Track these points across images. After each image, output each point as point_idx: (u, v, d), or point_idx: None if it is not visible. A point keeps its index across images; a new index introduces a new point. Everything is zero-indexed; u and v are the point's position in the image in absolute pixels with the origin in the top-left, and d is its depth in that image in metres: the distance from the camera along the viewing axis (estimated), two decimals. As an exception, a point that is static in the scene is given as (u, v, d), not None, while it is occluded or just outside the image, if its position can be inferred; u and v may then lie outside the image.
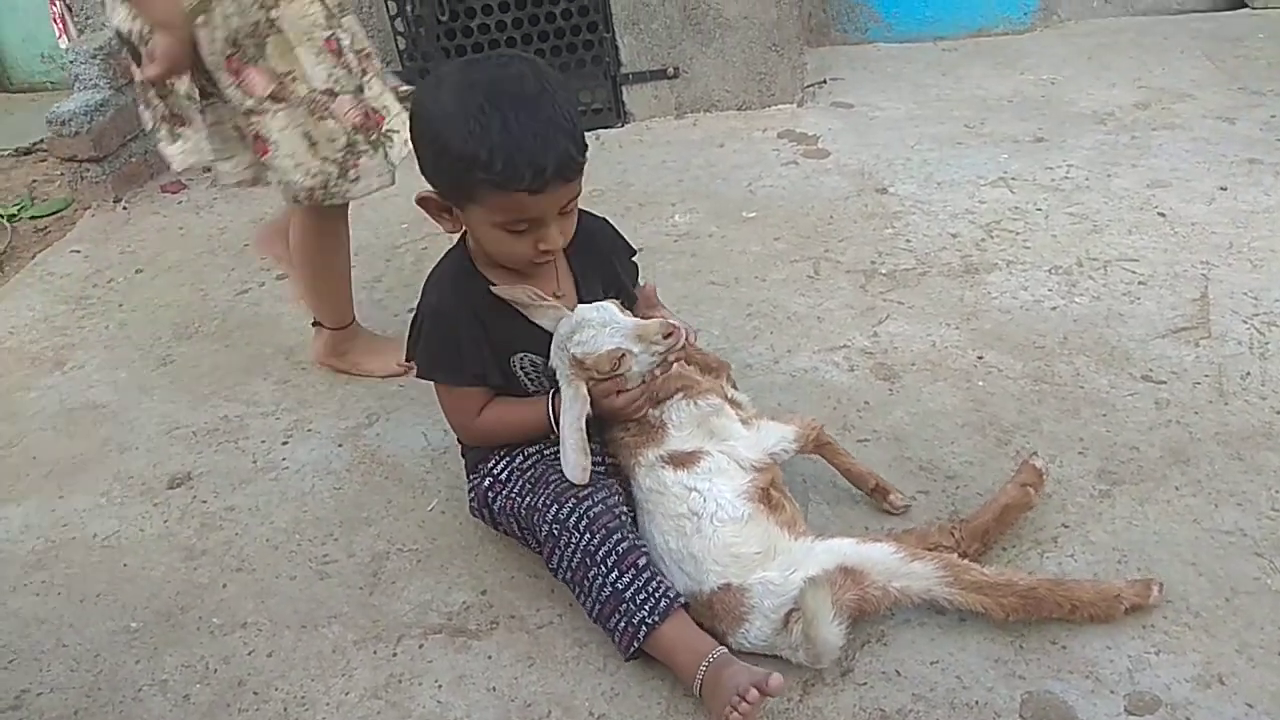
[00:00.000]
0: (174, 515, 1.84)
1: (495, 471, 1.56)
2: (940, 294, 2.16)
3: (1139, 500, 1.58)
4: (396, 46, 3.13)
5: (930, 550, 1.40)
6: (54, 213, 3.19)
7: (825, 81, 3.36)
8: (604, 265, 1.61)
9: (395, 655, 1.50)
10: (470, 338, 1.48)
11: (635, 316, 1.50)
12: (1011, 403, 1.82)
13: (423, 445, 1.92)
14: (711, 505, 1.42)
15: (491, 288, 1.48)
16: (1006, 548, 1.51)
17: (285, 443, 1.99)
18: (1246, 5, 3.52)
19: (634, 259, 1.70)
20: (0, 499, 1.93)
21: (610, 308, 1.47)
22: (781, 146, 2.96)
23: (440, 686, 1.44)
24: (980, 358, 1.95)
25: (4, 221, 3.13)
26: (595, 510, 1.41)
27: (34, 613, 1.66)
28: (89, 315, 2.54)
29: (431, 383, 1.59)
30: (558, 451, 1.47)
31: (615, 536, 1.39)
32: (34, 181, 3.45)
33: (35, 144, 3.69)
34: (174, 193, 3.17)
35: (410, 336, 1.56)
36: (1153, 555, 1.48)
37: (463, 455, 1.68)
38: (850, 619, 1.33)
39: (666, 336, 1.43)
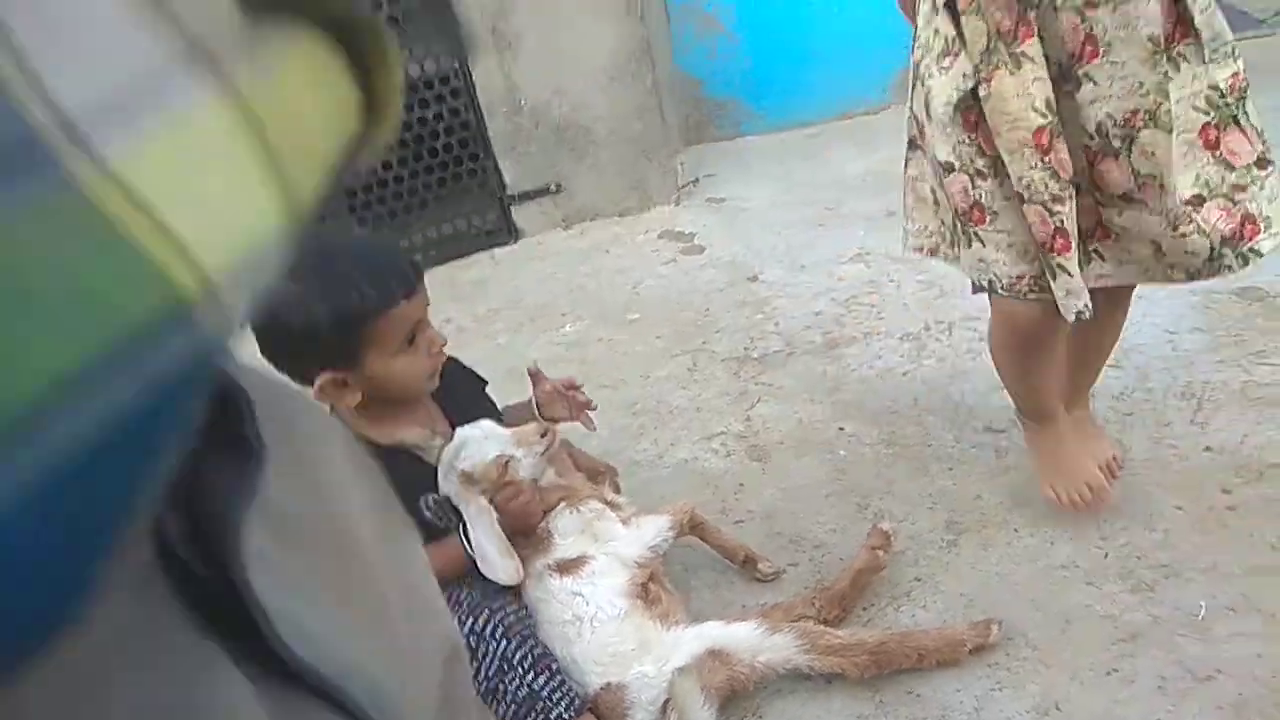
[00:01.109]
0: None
1: None
2: (805, 372, 2.33)
3: (982, 545, 1.74)
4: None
5: (794, 621, 1.54)
6: None
7: (697, 180, 3.60)
8: (469, 399, 1.75)
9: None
10: None
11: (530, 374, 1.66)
12: (869, 468, 1.98)
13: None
14: (592, 608, 1.54)
15: (393, 436, 1.59)
16: (866, 607, 1.65)
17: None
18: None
19: (535, 367, 1.86)
20: None
21: (486, 422, 1.62)
22: (661, 247, 3.16)
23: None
24: (841, 429, 2.11)
25: None
26: (509, 620, 1.52)
27: None
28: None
29: None
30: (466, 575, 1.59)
31: (530, 642, 1.50)
32: None
33: None
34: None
35: None
36: (995, 596, 1.63)
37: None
38: (721, 698, 1.45)
39: (543, 436, 1.58)
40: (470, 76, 3.18)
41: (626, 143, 3.31)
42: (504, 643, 1.50)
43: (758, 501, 1.96)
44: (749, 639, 1.49)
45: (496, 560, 1.56)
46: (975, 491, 1.86)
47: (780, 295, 2.70)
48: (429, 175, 3.26)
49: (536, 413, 1.77)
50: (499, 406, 1.82)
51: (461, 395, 1.74)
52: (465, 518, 1.60)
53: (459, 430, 1.62)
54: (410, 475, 1.61)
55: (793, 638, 1.49)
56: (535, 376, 1.85)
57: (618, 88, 3.22)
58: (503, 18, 3.12)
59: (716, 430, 2.20)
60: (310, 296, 1.47)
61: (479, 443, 1.59)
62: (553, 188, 3.36)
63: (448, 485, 1.62)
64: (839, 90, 4.19)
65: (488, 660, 1.50)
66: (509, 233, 3.40)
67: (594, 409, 1.85)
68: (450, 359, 1.76)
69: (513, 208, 3.38)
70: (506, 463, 1.59)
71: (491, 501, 1.59)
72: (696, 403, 2.32)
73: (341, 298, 1.46)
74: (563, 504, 1.68)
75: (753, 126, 4.22)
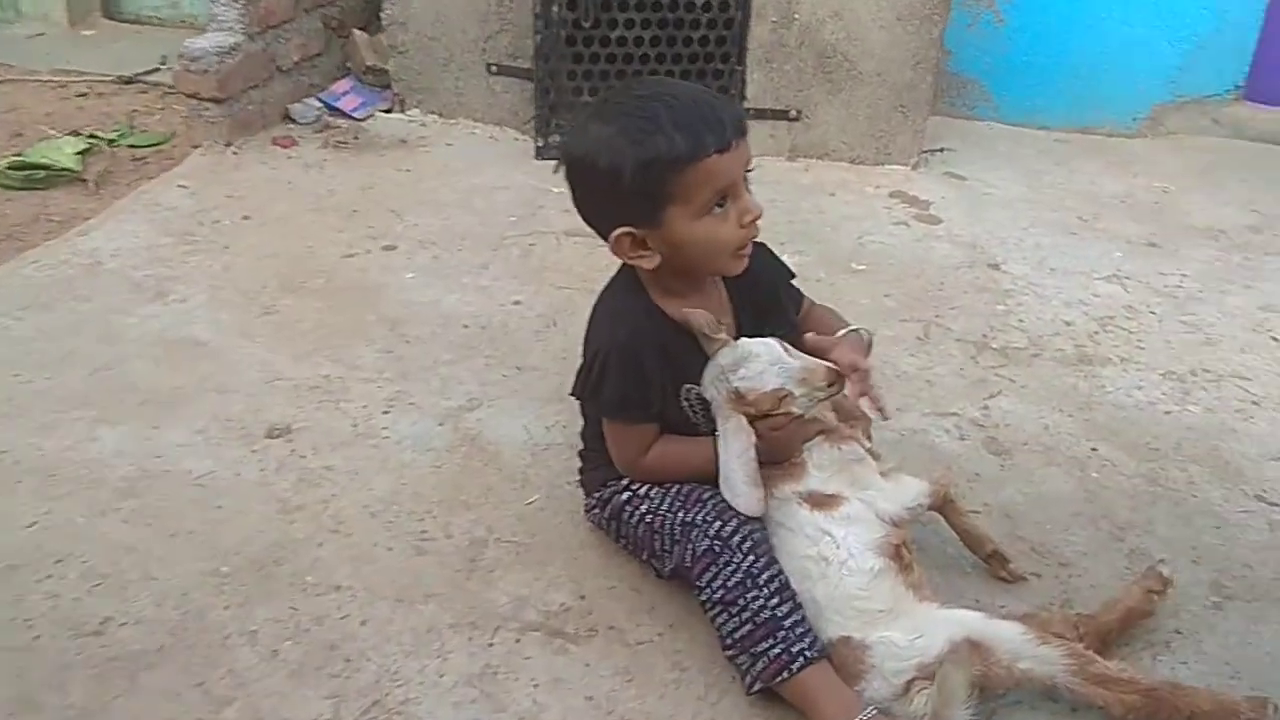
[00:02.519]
0: (271, 465, 1.83)
1: (634, 487, 1.53)
2: (1053, 378, 2.15)
3: (1252, 619, 1.56)
4: (532, 44, 3.15)
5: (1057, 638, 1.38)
6: (153, 144, 3.20)
7: (940, 150, 3.37)
8: (764, 293, 1.59)
9: (491, 645, 1.48)
10: (657, 372, 1.45)
11: (799, 351, 1.49)
12: (1125, 500, 1.80)
13: (524, 438, 1.92)
14: (844, 552, 1.40)
15: (683, 312, 1.46)
16: (1119, 645, 1.49)
17: (386, 412, 1.98)
18: (1363, 147, 3.52)
19: (794, 282, 1.69)
20: (95, 419, 1.93)
21: (775, 345, 1.46)
22: (893, 205, 2.97)
23: (536, 686, 1.42)
24: (1094, 449, 1.93)
25: (105, 144, 3.16)
26: (758, 535, 1.40)
27: (122, 540, 1.65)
28: (194, 252, 2.55)
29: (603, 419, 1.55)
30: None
31: (776, 566, 1.38)
32: (134, 111, 3.46)
33: (138, 74, 3.72)
34: (285, 147, 3.19)
35: (589, 375, 1.48)
36: (1267, 675, 1.46)
37: (583, 463, 1.66)
38: (974, 696, 1.31)
39: (831, 384, 1.42)
40: (750, -27, 2.98)
41: (889, 89, 3.09)
42: (751, 557, 1.38)
43: (995, 497, 1.80)
44: (1015, 641, 1.34)
45: (740, 486, 1.43)
46: (1244, 559, 1.68)
47: (1025, 292, 2.50)
48: (675, 64, 3.07)
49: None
50: (798, 309, 1.66)
51: (762, 288, 1.59)
52: (720, 430, 1.47)
53: (745, 342, 1.47)
54: (686, 364, 1.48)
55: (1062, 654, 1.33)
56: (820, 322, 1.65)
57: (902, 28, 3.00)
58: (805, -79, 2.91)
59: (949, 409, 2.03)
60: (618, 138, 1.33)
61: (764, 365, 1.44)
62: (793, 113, 3.16)
63: (714, 391, 1.48)
64: (1090, 105, 3.90)
65: (731, 570, 1.38)
66: (731, 147, 3.22)
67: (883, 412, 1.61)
68: (758, 243, 1.61)
69: (743, 122, 3.19)
70: (783, 398, 1.44)
71: (753, 423, 1.46)
72: (927, 375, 2.15)
73: (648, 142, 1.31)
74: (822, 436, 1.54)
75: (987, 113, 3.96)
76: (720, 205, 1.38)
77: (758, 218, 1.42)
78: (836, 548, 1.42)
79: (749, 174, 1.43)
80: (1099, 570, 1.64)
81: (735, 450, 1.44)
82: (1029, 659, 1.33)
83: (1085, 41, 3.81)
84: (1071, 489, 1.82)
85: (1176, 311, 2.44)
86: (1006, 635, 1.34)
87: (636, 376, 1.44)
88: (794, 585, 1.40)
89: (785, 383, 1.43)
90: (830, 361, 1.46)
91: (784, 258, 2.62)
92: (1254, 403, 2.10)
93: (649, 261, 1.43)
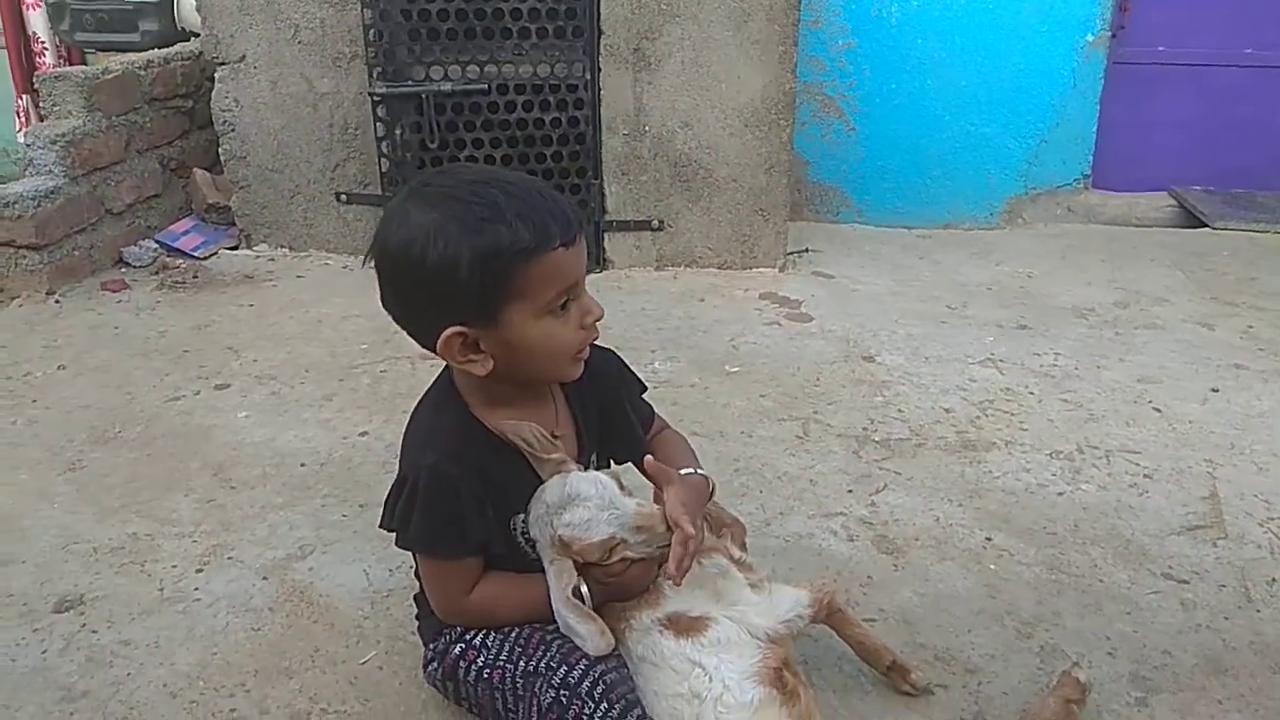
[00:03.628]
0: (56, 645, 1.54)
1: (468, 637, 1.30)
2: (939, 468, 2.02)
3: (1180, 713, 1.40)
4: (379, 170, 3.04)
5: (966, 758, 1.19)
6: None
7: (805, 250, 3.35)
8: (608, 403, 1.41)
9: (307, 846, 1.21)
10: (474, 499, 1.23)
11: (649, 473, 1.29)
12: (1028, 591, 1.65)
13: (363, 586, 1.67)
14: (717, 686, 1.20)
15: (504, 424, 1.26)
16: (1042, 760, 1.31)
17: (200, 570, 1.72)
18: (1206, 225, 3.65)
19: (644, 396, 1.50)
20: None
21: (608, 485, 1.26)
22: (764, 307, 2.88)
23: None
24: (989, 539, 1.79)
25: (-85, 303, 2.87)
26: (611, 677, 1.17)
27: None
28: (-6, 409, 2.27)
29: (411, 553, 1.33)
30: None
31: (635, 712, 1.15)
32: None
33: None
34: (115, 291, 2.95)
35: (395, 501, 1.26)
36: (1206, 780, 1.29)
37: (418, 608, 1.42)
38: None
39: (670, 531, 1.23)
40: (599, 89, 2.95)
41: (746, 194, 3.06)
42: (604, 705, 1.16)
43: (891, 601, 1.63)
44: (920, 769, 1.14)
45: (576, 628, 1.22)
46: (1162, 645, 1.54)
47: (902, 382, 2.41)
48: (529, 181, 2.99)
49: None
50: (648, 428, 1.48)
51: (608, 399, 1.41)
52: (546, 571, 1.27)
53: (573, 478, 1.26)
54: (512, 488, 1.28)
55: (975, 780, 1.14)
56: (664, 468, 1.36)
57: (752, 134, 2.99)
58: (650, 37, 2.91)
59: (836, 509, 1.88)
60: (450, 226, 1.15)
61: (590, 513, 1.24)
62: (655, 224, 3.10)
63: (538, 531, 1.28)
64: (948, 203, 4.01)
65: (580, 725, 1.15)
66: (597, 261, 3.13)
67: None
68: (606, 349, 1.44)
69: (607, 235, 3.12)
70: (614, 546, 1.25)
71: (585, 569, 1.27)
72: (809, 474, 2.00)
73: (488, 231, 1.14)
74: (681, 551, 1.35)
75: (850, 217, 4.02)
76: (564, 305, 1.22)
77: (599, 318, 1.26)
78: (709, 681, 1.21)
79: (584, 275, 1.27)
80: (1009, 674, 1.47)
81: (557, 595, 1.23)
82: (940, 791, 1.13)
83: (935, 143, 3.93)
84: (970, 585, 1.67)
85: (1055, 390, 2.38)
86: (910, 764, 1.14)
87: (449, 507, 1.22)
88: (663, 729, 1.19)
89: (618, 531, 1.24)
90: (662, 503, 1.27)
91: (656, 364, 2.53)
92: (1146, 476, 2.01)
93: (481, 367, 1.23)
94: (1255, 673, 1.48)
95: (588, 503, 1.24)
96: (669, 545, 1.23)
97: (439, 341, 1.21)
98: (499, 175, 1.23)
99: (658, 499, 1.29)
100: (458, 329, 1.20)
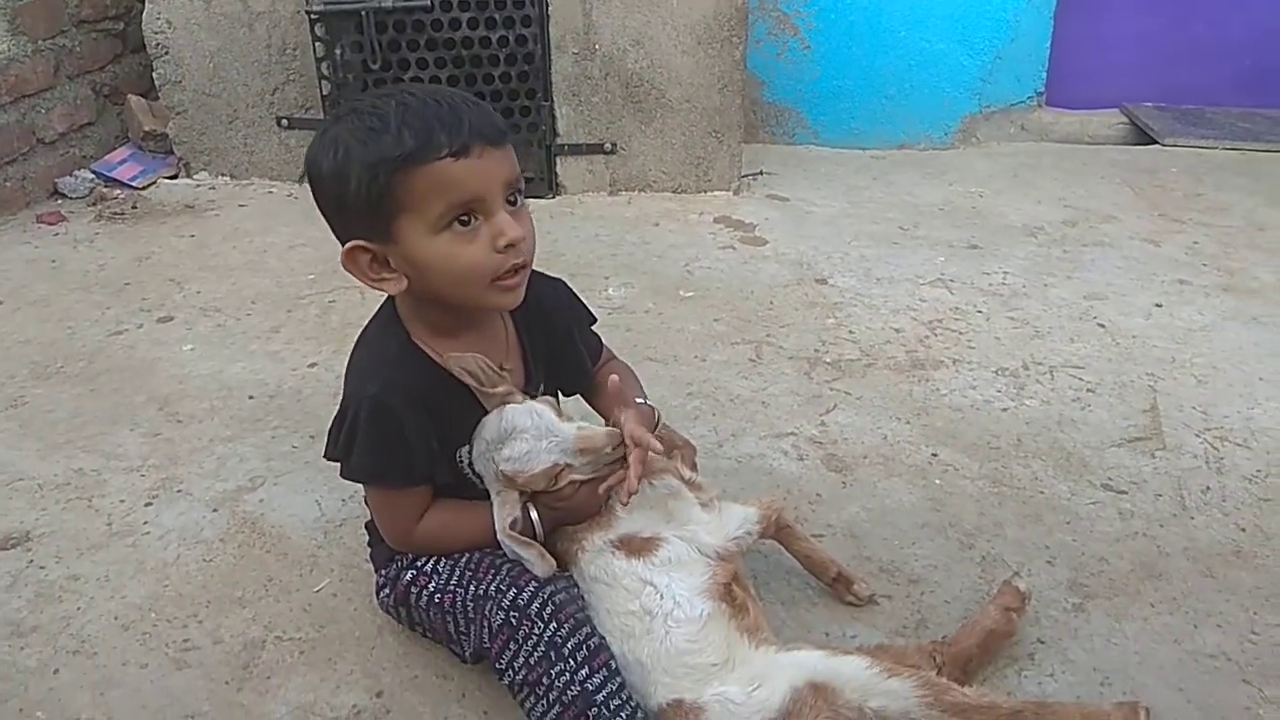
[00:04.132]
0: (2, 582, 1.53)
1: (419, 563, 1.30)
2: (888, 387, 2.05)
3: (1114, 616, 1.46)
4: (320, 92, 2.94)
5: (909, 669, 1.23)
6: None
7: (760, 173, 3.32)
8: (558, 336, 1.39)
9: (264, 768, 1.22)
10: (418, 430, 1.21)
11: (603, 402, 1.29)
12: (971, 504, 1.69)
13: (315, 516, 1.67)
14: (667, 603, 1.22)
15: (448, 356, 1.23)
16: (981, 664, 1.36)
17: (149, 504, 1.70)
18: (1157, 142, 3.67)
19: (594, 328, 1.49)
20: None
21: (547, 414, 1.24)
22: (718, 231, 2.87)
23: (319, 810, 1.17)
24: (935, 455, 1.83)
25: None
26: (560, 598, 1.19)
27: None
28: (-72, 346, 2.20)
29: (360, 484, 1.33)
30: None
31: (585, 630, 1.17)
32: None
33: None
34: (52, 223, 2.86)
35: (338, 432, 1.24)
36: (1136, 678, 1.35)
37: (369, 535, 1.42)
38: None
39: (616, 448, 1.23)
40: (546, 6, 2.87)
41: (700, 114, 3.01)
42: (553, 625, 1.17)
43: (839, 517, 1.66)
44: (861, 678, 1.18)
45: (521, 554, 1.23)
46: (1099, 553, 1.59)
47: (854, 304, 2.42)
48: (477, 103, 2.91)
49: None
50: (596, 358, 1.47)
51: (558, 330, 1.39)
52: (492, 502, 1.27)
53: (508, 410, 1.24)
54: (458, 418, 1.26)
55: (914, 686, 1.18)
56: (615, 391, 1.37)
57: (704, 53, 2.93)
58: (597, -50, 2.82)
59: (786, 430, 1.90)
60: (346, 138, 1.13)
61: (530, 442, 1.23)
62: (608, 146, 3.05)
63: (482, 465, 1.27)
64: (902, 123, 3.97)
65: (530, 644, 1.17)
66: (549, 186, 3.08)
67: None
68: (555, 280, 1.42)
69: (559, 159, 3.06)
70: (559, 473, 1.25)
71: (535, 498, 1.27)
72: (761, 396, 2.01)
73: (373, 142, 1.11)
74: (630, 472, 1.36)
75: (806, 139, 3.98)
76: (464, 222, 1.16)
77: (515, 242, 1.18)
78: (660, 598, 1.23)
79: (517, 195, 1.21)
80: (951, 584, 1.51)
81: (499, 526, 1.24)
82: (879, 695, 1.17)
83: (890, 61, 3.88)
84: (916, 500, 1.71)
85: (1003, 308, 2.41)
86: (851, 673, 1.18)
87: (392, 437, 1.21)
88: (616, 649, 1.21)
89: (560, 457, 1.23)
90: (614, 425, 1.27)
91: (610, 291, 2.51)
92: (1089, 390, 2.05)
93: (393, 285, 1.20)
94: (1187, 577, 1.54)
95: (525, 434, 1.23)
96: (617, 461, 1.24)
97: (342, 254, 1.19)
98: (412, 88, 1.19)
99: (615, 421, 1.29)
100: (359, 243, 1.17)
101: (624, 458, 1.26)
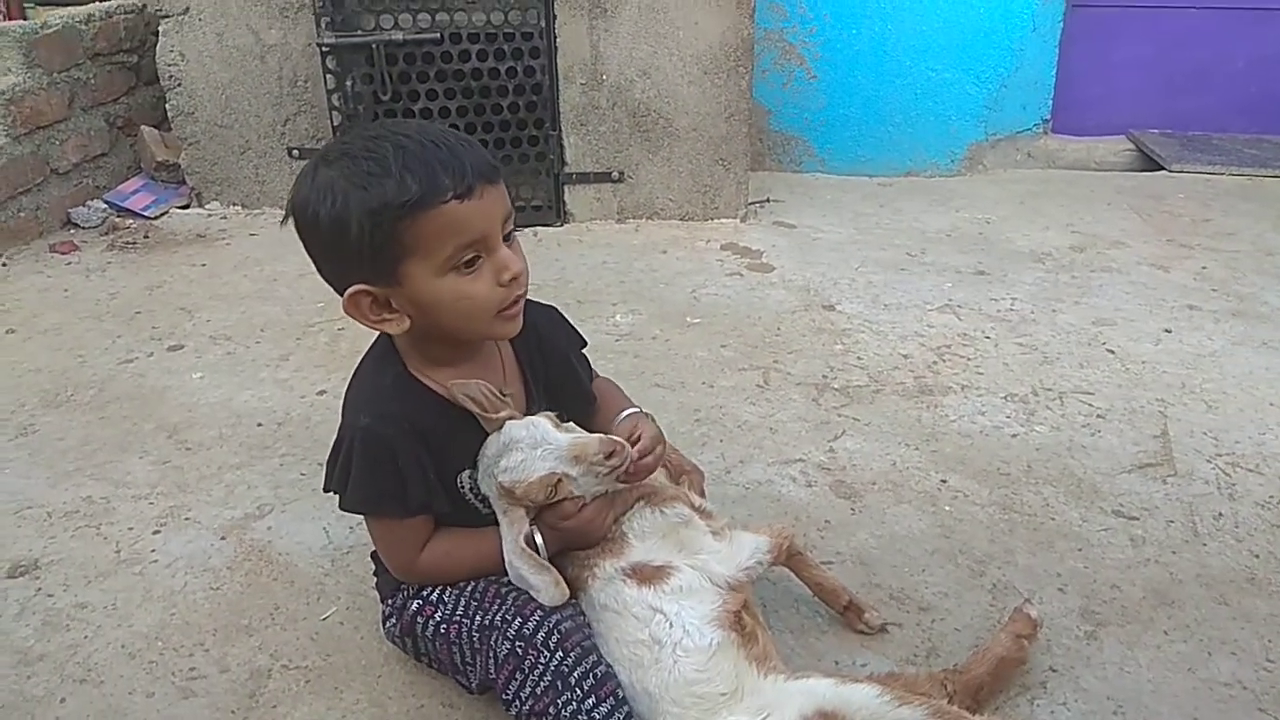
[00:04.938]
0: (10, 610, 1.53)
1: (425, 593, 1.30)
2: (896, 413, 2.04)
3: (1127, 644, 1.44)
4: (331, 124, 2.98)
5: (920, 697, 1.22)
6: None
7: (767, 201, 3.34)
8: (556, 359, 1.40)
9: (270, 799, 1.22)
10: (413, 461, 1.21)
11: (599, 417, 1.29)
12: (981, 531, 1.68)
13: (322, 543, 1.67)
14: (677, 632, 1.21)
15: (450, 384, 1.23)
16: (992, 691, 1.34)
17: (157, 532, 1.70)
18: (1164, 168, 3.68)
19: (584, 351, 1.50)
20: None
21: (542, 424, 1.25)
22: (725, 258, 2.88)
23: (324, 841, 1.16)
24: (944, 481, 1.82)
25: None
26: (566, 626, 1.18)
27: None
28: (-60, 375, 2.22)
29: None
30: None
31: (591, 658, 1.16)
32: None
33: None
34: (65, 253, 2.89)
35: (334, 465, 1.25)
36: (1150, 706, 1.33)
37: (375, 564, 1.42)
38: (835, 772, 1.12)
39: (609, 456, 1.22)
40: (554, 37, 2.90)
41: (707, 143, 3.03)
42: (559, 654, 1.16)
43: (848, 544, 1.65)
44: (872, 707, 1.16)
45: (530, 579, 1.22)
46: (1111, 580, 1.57)
47: (862, 330, 2.42)
48: (486, 133, 2.94)
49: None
50: (589, 376, 1.47)
51: (555, 354, 1.40)
52: (500, 523, 1.27)
53: (507, 427, 1.25)
54: (456, 446, 1.26)
55: (925, 714, 1.16)
56: (608, 399, 1.43)
57: (711, 83, 2.96)
58: (604, -18, 2.86)
59: (794, 456, 1.89)
60: (341, 182, 1.11)
61: (525, 451, 1.23)
62: (615, 175, 3.07)
63: (487, 486, 1.27)
64: (909, 151, 4.00)
65: (536, 674, 1.16)
66: (557, 214, 3.10)
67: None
68: (548, 306, 1.43)
69: (566, 188, 3.08)
70: (557, 483, 1.24)
71: (539, 516, 1.27)
72: (769, 422, 2.01)
73: (374, 187, 1.10)
74: (642, 501, 1.36)
75: (813, 167, 4.00)
76: (469, 262, 1.17)
77: (517, 275, 1.20)
78: (670, 627, 1.22)
79: (511, 230, 1.22)
80: (962, 612, 1.50)
81: (510, 545, 1.24)
82: (890, 724, 1.16)
83: (896, 89, 3.91)
84: (925, 526, 1.70)
85: (1011, 334, 2.40)
86: (861, 701, 1.16)
87: (386, 468, 1.21)
88: (624, 678, 1.20)
89: (555, 466, 1.23)
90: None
91: (618, 317, 2.52)
92: (1099, 416, 2.04)
93: (396, 325, 1.20)
94: (1200, 604, 1.52)
95: (520, 444, 1.23)
96: (614, 472, 1.23)
97: (345, 300, 1.19)
98: (402, 128, 1.17)
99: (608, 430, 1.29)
100: (361, 287, 1.17)
101: (626, 473, 1.26)
